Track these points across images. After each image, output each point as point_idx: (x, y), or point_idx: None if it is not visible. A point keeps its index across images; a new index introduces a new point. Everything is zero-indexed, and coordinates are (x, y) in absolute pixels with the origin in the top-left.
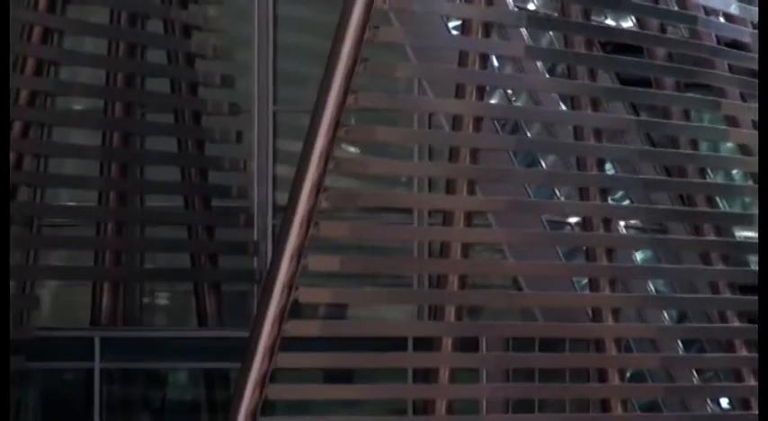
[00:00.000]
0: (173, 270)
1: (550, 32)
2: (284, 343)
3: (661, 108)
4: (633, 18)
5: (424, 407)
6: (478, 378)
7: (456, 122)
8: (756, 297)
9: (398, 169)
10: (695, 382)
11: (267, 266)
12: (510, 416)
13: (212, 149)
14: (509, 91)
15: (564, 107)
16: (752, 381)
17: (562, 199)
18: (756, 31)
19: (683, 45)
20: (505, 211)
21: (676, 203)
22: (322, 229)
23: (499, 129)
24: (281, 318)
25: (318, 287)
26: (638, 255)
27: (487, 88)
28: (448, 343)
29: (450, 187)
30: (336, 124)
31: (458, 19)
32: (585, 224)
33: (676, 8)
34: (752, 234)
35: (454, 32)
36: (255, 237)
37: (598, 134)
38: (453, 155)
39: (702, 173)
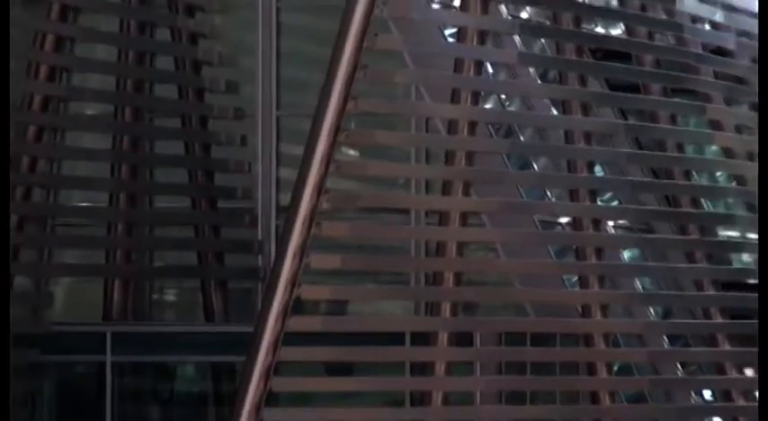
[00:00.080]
0: (181, 267)
1: (542, 40)
2: (287, 337)
3: (648, 112)
4: (622, 26)
5: (421, 398)
6: (473, 371)
7: (452, 126)
8: (738, 294)
9: (397, 171)
10: (680, 375)
11: (271, 264)
12: (503, 407)
13: (218, 152)
14: (503, 96)
15: (555, 112)
16: (734, 374)
17: (553, 200)
18: (740, 39)
19: (669, 52)
20: (499, 212)
21: (663, 204)
22: (323, 229)
23: (493, 132)
24: (285, 314)
25: (320, 284)
26: (626, 254)
27: (482, 93)
28: (444, 337)
29: (446, 188)
30: (337, 128)
31: (454, 27)
32: (576, 224)
33: (664, 16)
34: (734, 233)
35: (450, 40)
36: (260, 237)
37: (588, 138)
38: (449, 157)
39: (688, 175)
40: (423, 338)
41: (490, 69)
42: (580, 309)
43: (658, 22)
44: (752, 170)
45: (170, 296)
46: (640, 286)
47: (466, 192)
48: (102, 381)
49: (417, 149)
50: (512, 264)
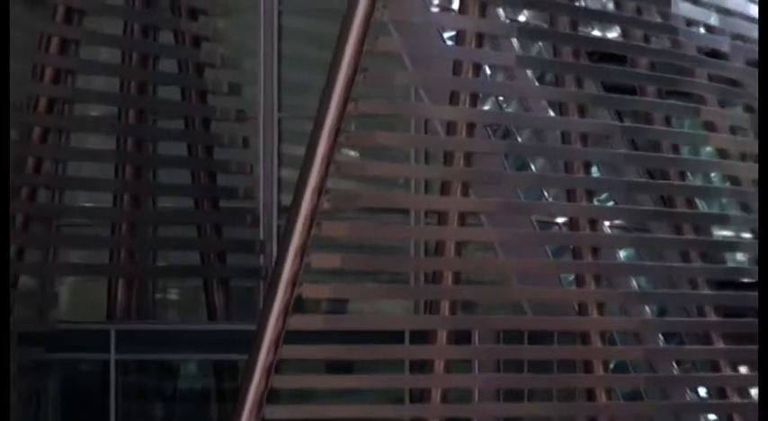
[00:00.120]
0: (183, 267)
1: (540, 43)
2: (288, 335)
3: (644, 114)
4: (618, 29)
5: (420, 395)
6: (471, 368)
7: (450, 128)
8: (733, 292)
9: (396, 172)
10: (675, 373)
11: (272, 264)
12: (501, 404)
13: (221, 154)
14: (501, 98)
15: (552, 113)
16: (728, 372)
17: (550, 200)
18: (734, 42)
19: (665, 55)
20: (497, 212)
21: (658, 204)
22: (324, 229)
23: (491, 134)
24: (286, 313)
25: (321, 283)
26: (622, 254)
27: (480, 95)
28: (443, 335)
29: (444, 189)
30: (337, 130)
31: (452, 30)
32: (572, 224)
33: (659, 20)
34: (728, 233)
35: (449, 43)
36: (261, 236)
37: (584, 139)
38: (448, 158)
39: (683, 175)
40: (422, 336)
41: (488, 71)
42: (577, 307)
43: (654, 26)
44: (746, 171)
45: (173, 295)
46: (636, 285)
47: (464, 193)
48: (106, 379)
49: (416, 150)
50: (509, 263)
